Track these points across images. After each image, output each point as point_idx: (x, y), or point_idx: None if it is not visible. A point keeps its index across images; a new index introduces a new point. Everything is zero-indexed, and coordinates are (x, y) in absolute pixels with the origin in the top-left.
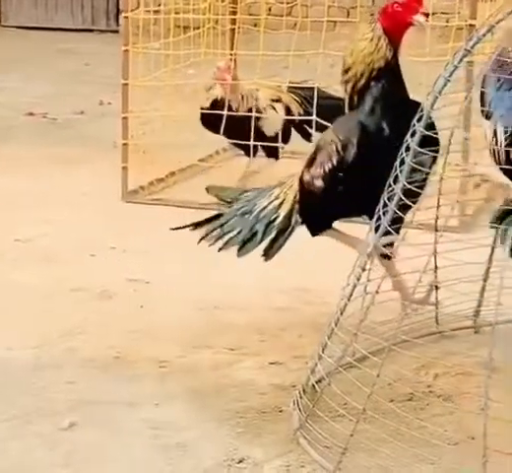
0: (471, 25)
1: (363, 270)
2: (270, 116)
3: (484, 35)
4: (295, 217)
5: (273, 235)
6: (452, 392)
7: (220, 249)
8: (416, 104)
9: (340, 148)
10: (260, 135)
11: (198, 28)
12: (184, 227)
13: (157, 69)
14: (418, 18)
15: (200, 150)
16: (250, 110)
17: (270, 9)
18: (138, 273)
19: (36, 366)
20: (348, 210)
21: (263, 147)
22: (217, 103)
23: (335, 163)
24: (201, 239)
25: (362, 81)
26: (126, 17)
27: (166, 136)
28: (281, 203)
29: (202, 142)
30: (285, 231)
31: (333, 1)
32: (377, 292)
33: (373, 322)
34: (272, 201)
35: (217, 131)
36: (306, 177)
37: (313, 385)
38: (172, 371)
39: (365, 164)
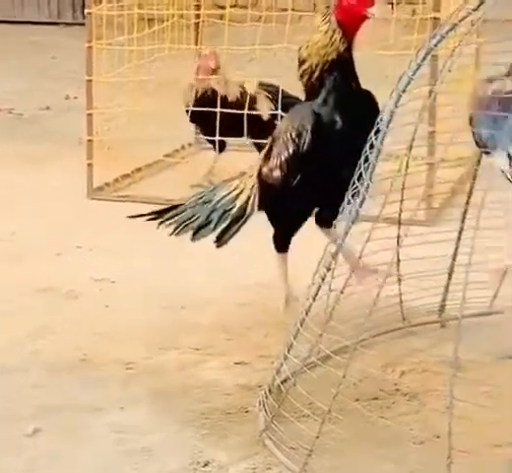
0: (435, 17)
1: (328, 270)
2: (264, 100)
3: (448, 33)
4: (252, 206)
5: (227, 222)
6: (418, 390)
7: (172, 234)
8: (369, 95)
9: (294, 136)
10: (256, 121)
11: (163, 21)
12: (143, 215)
13: (121, 64)
14: (373, 10)
15: (165, 145)
16: (239, 98)
17: (236, 1)
18: (104, 272)
19: (2, 369)
20: (306, 201)
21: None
22: (204, 95)
23: (290, 151)
24: (159, 225)
25: (317, 73)
26: (89, 13)
27: (132, 132)
28: (239, 193)
29: (167, 137)
30: (239, 219)
31: None
32: (342, 292)
33: (339, 319)
34: (231, 191)
35: (208, 125)
36: (264, 170)
37: (279, 386)
38: (138, 372)
39: (320, 152)
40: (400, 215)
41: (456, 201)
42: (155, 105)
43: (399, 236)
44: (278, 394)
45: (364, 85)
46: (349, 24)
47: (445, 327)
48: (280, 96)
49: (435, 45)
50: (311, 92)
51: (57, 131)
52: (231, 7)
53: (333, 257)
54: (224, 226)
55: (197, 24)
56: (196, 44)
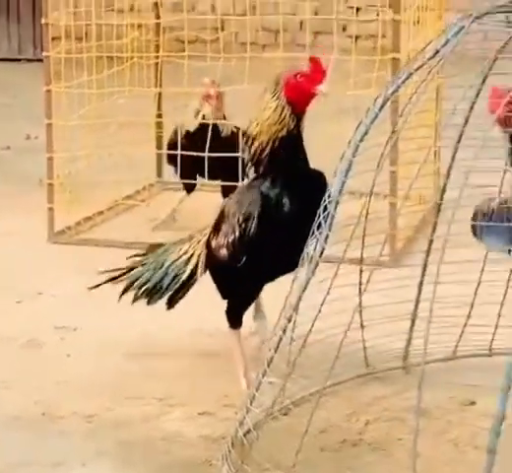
0: (394, 58)
1: (289, 321)
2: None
3: (404, 82)
4: (200, 270)
5: (177, 287)
6: (383, 440)
7: (133, 302)
8: (318, 174)
9: (242, 220)
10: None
11: (123, 61)
12: (101, 284)
13: (81, 105)
14: (322, 88)
15: (127, 186)
16: (233, 133)
17: (196, 36)
18: (65, 319)
19: None
20: (253, 280)
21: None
22: (205, 125)
23: (237, 234)
24: (121, 295)
25: (267, 150)
26: (47, 56)
27: (93, 174)
28: (189, 258)
29: (129, 178)
30: (188, 283)
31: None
32: (303, 346)
33: (303, 366)
34: (181, 256)
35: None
36: (213, 244)
37: (242, 438)
38: (100, 425)
39: (267, 236)
40: (361, 261)
41: (419, 241)
42: (116, 147)
43: (361, 283)
44: (241, 447)
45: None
46: (298, 101)
47: (409, 373)
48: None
49: (392, 94)
50: (261, 170)
51: (17, 172)
52: (192, 42)
53: (294, 309)
54: (173, 290)
55: (157, 63)
56: (156, 84)
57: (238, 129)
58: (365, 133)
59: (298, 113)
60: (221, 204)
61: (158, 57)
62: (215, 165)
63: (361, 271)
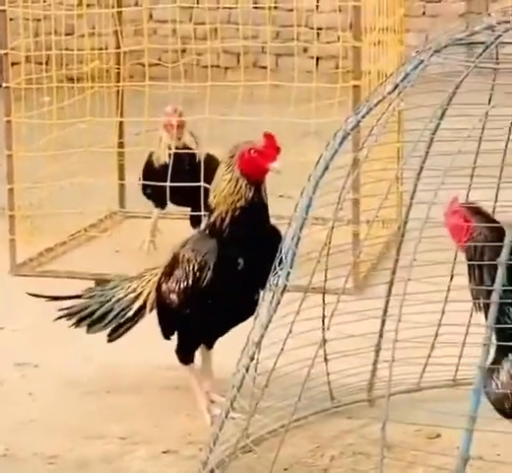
0: (355, 85)
1: (252, 359)
2: None
3: (364, 117)
4: (148, 309)
5: (120, 322)
6: None
7: (73, 325)
8: (275, 232)
9: (196, 269)
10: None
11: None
12: (43, 296)
13: (42, 135)
14: (275, 165)
15: (89, 216)
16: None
17: (160, 59)
18: (26, 355)
19: None
20: (201, 327)
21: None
22: (180, 154)
23: (190, 282)
24: (60, 318)
25: (227, 220)
26: (7, 87)
27: (55, 204)
28: (136, 296)
29: (91, 208)
30: (133, 320)
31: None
32: (266, 386)
33: (269, 398)
34: (128, 294)
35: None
36: (163, 287)
37: None
38: (62, 467)
39: (219, 288)
40: (324, 295)
41: (384, 265)
42: (77, 176)
43: (324, 317)
44: None
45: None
46: (252, 175)
47: (374, 406)
48: None
49: (352, 130)
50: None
51: None
52: (154, 66)
53: (256, 346)
54: (116, 324)
55: (118, 92)
56: (117, 113)
57: (211, 156)
58: (326, 168)
59: (255, 184)
60: (173, 248)
61: (118, 84)
62: (194, 194)
63: (324, 304)
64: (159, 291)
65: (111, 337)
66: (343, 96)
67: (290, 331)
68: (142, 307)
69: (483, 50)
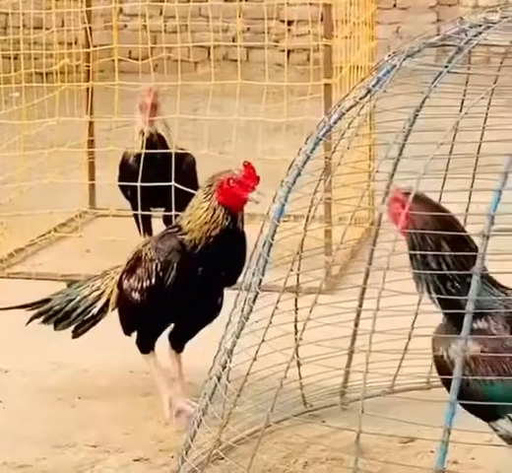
0: (326, 84)
1: (224, 368)
2: None
3: (336, 123)
4: (110, 307)
5: (85, 319)
6: None
7: (42, 323)
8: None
9: (159, 269)
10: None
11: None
12: (12, 308)
13: (12, 134)
14: (253, 196)
15: (59, 215)
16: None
17: (130, 53)
18: None
19: None
20: (162, 322)
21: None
22: (152, 140)
23: (153, 282)
24: (30, 321)
25: (200, 246)
26: None
27: (25, 203)
28: (100, 294)
29: (61, 207)
30: (97, 317)
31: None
32: (238, 395)
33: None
34: (92, 292)
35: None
36: (125, 285)
37: None
38: None
39: (181, 289)
40: (296, 301)
41: (356, 264)
42: (47, 175)
43: (296, 321)
44: None
45: None
46: (230, 204)
47: (347, 410)
48: None
49: (324, 135)
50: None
51: None
52: (124, 60)
53: (228, 355)
54: (81, 322)
55: (88, 89)
56: (87, 111)
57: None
58: (298, 174)
59: (232, 212)
60: (136, 247)
61: (88, 82)
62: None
63: (297, 309)
64: (120, 288)
65: (75, 333)
66: (315, 91)
67: (263, 339)
68: (105, 305)
69: (455, 53)
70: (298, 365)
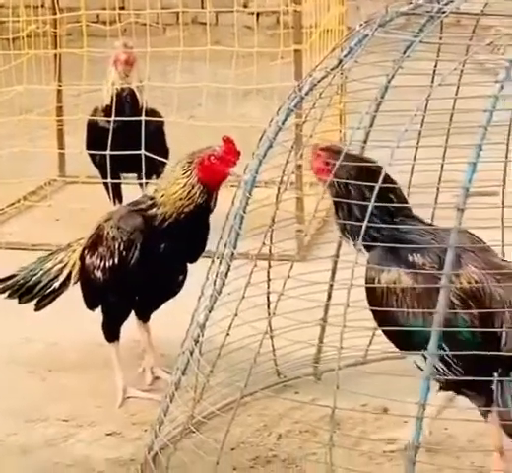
0: (296, 50)
1: (196, 342)
2: None
3: (307, 94)
4: (72, 281)
5: (47, 292)
6: (296, 455)
7: (7, 297)
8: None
9: (122, 248)
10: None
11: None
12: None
13: None
14: (235, 170)
15: (28, 184)
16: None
17: (98, 17)
18: None
19: None
20: (125, 301)
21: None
22: (122, 93)
23: (116, 261)
24: None
25: (169, 220)
26: None
27: None
28: (62, 267)
29: (30, 175)
30: (59, 290)
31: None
32: (211, 371)
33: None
34: (55, 265)
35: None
36: (87, 262)
37: (152, 460)
38: (4, 452)
39: (144, 268)
40: (269, 274)
41: (327, 234)
42: (15, 143)
43: (269, 293)
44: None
45: None
46: (209, 181)
47: (320, 380)
48: None
49: (295, 107)
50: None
51: None
52: (92, 22)
53: (201, 329)
54: (43, 295)
55: (55, 55)
56: (55, 77)
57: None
58: (270, 146)
59: (209, 191)
60: (97, 222)
61: (56, 50)
62: (135, 141)
63: (269, 280)
64: (82, 264)
65: (38, 307)
66: (285, 56)
67: (236, 314)
68: (67, 278)
69: (427, 21)
70: (271, 336)
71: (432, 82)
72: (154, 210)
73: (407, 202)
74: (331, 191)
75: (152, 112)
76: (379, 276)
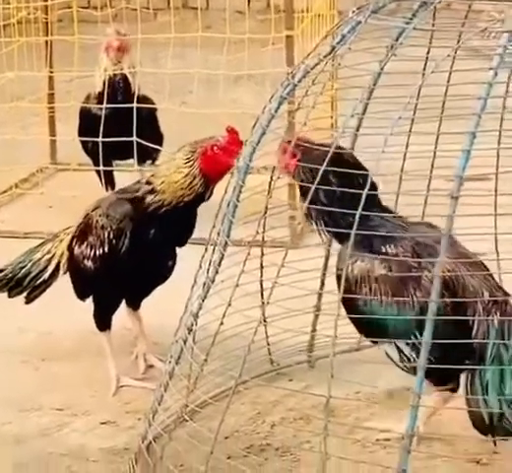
0: (288, 36)
1: (190, 331)
2: None
3: (300, 81)
4: (61, 271)
5: (37, 283)
6: (290, 443)
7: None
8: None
9: (112, 237)
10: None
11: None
12: None
13: None
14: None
15: (20, 171)
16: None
17: (89, 2)
18: None
19: None
20: (115, 291)
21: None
22: (114, 79)
23: (106, 250)
24: None
25: (166, 208)
26: None
27: None
28: (50, 258)
29: (21, 161)
30: (48, 282)
31: None
32: (205, 359)
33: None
34: (44, 255)
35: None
36: (76, 251)
37: (146, 450)
38: None
39: (136, 255)
40: (262, 263)
41: None
42: (7, 130)
43: (262, 281)
44: (144, 462)
45: None
46: (212, 172)
47: (314, 367)
48: None
49: (288, 94)
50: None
51: None
52: (83, 8)
53: (194, 318)
54: (33, 287)
55: (47, 42)
56: (46, 64)
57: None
58: (263, 134)
59: (210, 182)
60: (85, 210)
61: (47, 36)
62: (129, 127)
63: (262, 268)
64: (71, 254)
65: (28, 299)
66: (277, 42)
67: (230, 303)
68: (56, 269)
69: (419, 7)
70: (265, 323)
71: (425, 68)
72: (151, 196)
73: (377, 190)
74: (297, 179)
75: (144, 99)
76: (352, 266)
